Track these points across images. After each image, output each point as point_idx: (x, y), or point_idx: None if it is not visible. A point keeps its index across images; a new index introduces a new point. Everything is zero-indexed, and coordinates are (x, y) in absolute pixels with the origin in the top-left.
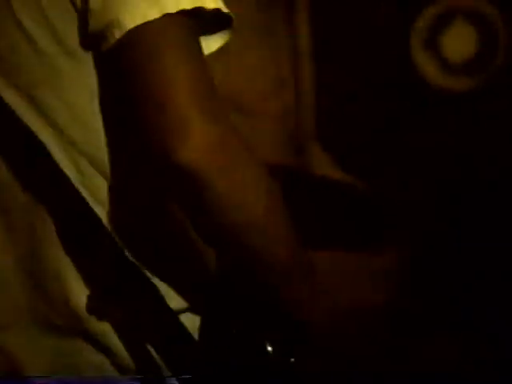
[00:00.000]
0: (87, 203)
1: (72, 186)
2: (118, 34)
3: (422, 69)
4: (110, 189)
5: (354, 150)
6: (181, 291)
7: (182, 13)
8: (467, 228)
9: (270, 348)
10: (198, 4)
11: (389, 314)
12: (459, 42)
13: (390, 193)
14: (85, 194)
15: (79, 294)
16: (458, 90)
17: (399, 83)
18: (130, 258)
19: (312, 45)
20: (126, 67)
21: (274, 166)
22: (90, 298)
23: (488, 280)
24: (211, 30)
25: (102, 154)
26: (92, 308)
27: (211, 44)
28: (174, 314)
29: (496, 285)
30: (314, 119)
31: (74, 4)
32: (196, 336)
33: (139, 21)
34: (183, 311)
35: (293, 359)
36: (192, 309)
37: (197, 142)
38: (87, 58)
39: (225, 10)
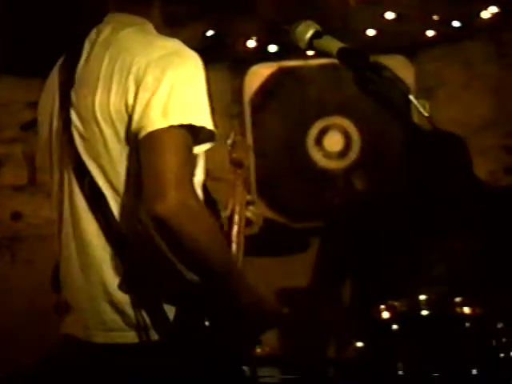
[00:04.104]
0: (115, 218)
1: (110, 208)
2: (144, 134)
3: (312, 156)
4: (123, 207)
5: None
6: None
7: (180, 125)
8: None
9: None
10: (190, 121)
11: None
12: (333, 142)
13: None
14: (115, 210)
15: (111, 279)
16: (332, 168)
17: (299, 165)
18: (133, 254)
19: (254, 143)
20: (145, 153)
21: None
22: (120, 281)
23: None
24: (203, 138)
25: (130, 194)
26: (120, 288)
27: (202, 147)
28: (158, 298)
29: None
30: (255, 181)
31: (127, 114)
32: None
33: (155, 127)
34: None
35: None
36: (168, 295)
37: (169, 202)
38: (127, 144)
39: (209, 127)
